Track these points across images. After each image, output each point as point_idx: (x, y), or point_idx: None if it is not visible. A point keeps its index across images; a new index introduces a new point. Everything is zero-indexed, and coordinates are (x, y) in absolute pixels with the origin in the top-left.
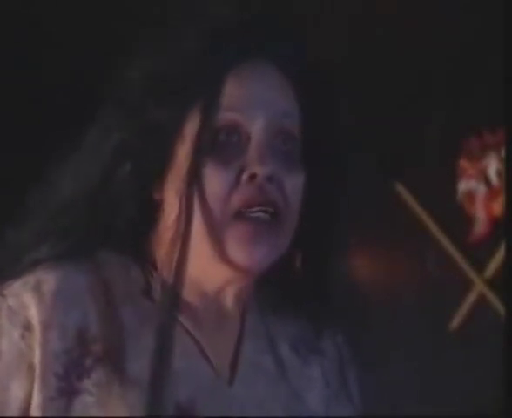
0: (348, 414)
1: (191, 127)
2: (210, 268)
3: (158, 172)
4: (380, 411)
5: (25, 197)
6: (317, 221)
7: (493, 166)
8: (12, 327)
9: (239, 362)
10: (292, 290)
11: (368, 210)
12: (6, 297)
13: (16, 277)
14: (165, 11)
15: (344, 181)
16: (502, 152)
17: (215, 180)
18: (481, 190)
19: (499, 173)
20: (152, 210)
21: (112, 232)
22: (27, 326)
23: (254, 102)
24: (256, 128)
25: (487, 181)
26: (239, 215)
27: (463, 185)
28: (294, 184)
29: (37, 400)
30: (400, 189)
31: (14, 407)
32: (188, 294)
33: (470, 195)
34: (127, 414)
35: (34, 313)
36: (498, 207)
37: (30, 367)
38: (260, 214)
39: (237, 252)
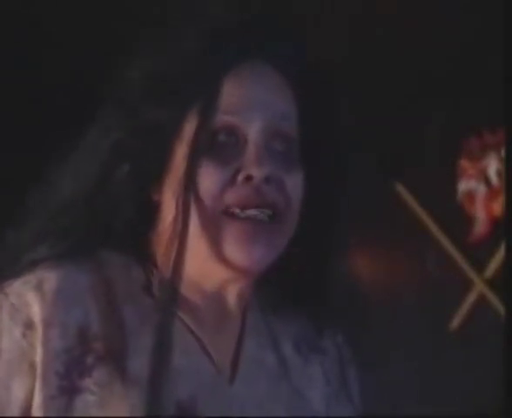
0: (348, 413)
1: (189, 128)
2: (208, 268)
3: (157, 173)
4: (380, 411)
5: (25, 197)
6: (317, 221)
7: (493, 166)
8: (14, 325)
9: (241, 360)
10: (292, 290)
11: (368, 210)
12: (8, 295)
13: (17, 276)
14: (165, 11)
15: (344, 181)
16: (502, 152)
17: (209, 179)
18: (481, 190)
19: (499, 173)
20: (151, 210)
21: (112, 233)
22: (29, 325)
23: (252, 104)
24: (253, 130)
25: (487, 181)
26: (234, 215)
27: (463, 185)
28: (294, 183)
29: (38, 398)
30: (400, 189)
31: (15, 406)
32: (189, 293)
33: (470, 195)
34: (128, 413)
35: (36, 312)
36: (498, 207)
37: (32, 366)
38: (257, 214)
39: (234, 252)
